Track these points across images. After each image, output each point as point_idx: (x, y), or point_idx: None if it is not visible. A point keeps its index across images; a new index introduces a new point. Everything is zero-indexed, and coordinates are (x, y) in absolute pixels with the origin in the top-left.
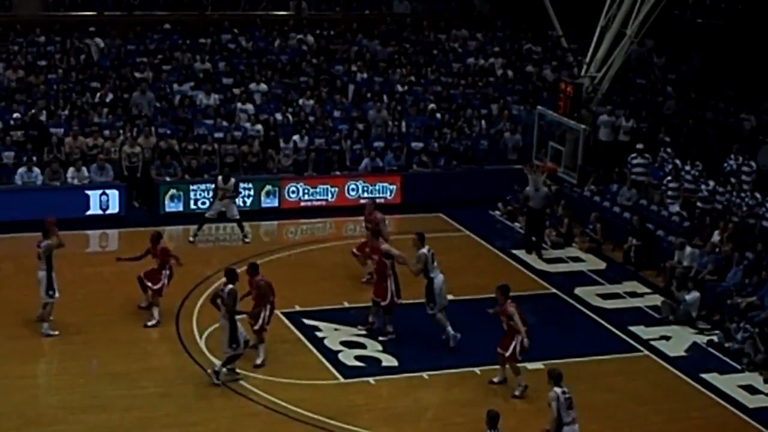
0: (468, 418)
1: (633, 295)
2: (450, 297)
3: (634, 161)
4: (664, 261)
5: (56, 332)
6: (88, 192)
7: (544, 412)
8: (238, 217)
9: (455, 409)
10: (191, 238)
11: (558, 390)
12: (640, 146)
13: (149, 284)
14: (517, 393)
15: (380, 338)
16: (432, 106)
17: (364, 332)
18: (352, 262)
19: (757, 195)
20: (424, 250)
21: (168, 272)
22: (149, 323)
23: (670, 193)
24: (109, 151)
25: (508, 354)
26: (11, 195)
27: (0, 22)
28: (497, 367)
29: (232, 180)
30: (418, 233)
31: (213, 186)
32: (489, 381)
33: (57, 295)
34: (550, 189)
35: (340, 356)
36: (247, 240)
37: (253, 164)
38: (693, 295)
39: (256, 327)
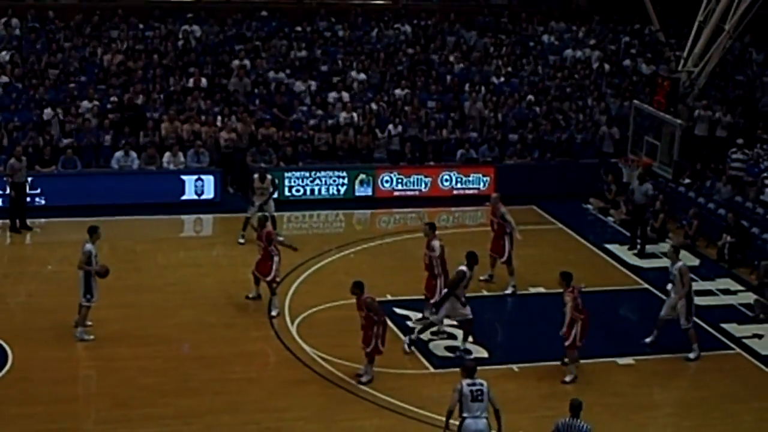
0: (556, 411)
1: (726, 292)
2: (541, 290)
3: (734, 156)
4: (759, 259)
5: (92, 337)
6: (184, 177)
7: (629, 407)
8: (274, 214)
9: (543, 401)
10: (240, 240)
11: (465, 382)
12: (740, 141)
13: (261, 277)
14: (567, 379)
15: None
16: (530, 97)
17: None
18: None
19: None
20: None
21: (277, 259)
22: (273, 314)
23: (767, 190)
24: (205, 136)
25: (568, 343)
26: (108, 178)
27: (101, 8)
28: (586, 361)
29: (269, 178)
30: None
31: (251, 184)
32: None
33: (95, 299)
34: (653, 185)
35: (431, 346)
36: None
37: (347, 152)
38: None
39: (369, 349)
